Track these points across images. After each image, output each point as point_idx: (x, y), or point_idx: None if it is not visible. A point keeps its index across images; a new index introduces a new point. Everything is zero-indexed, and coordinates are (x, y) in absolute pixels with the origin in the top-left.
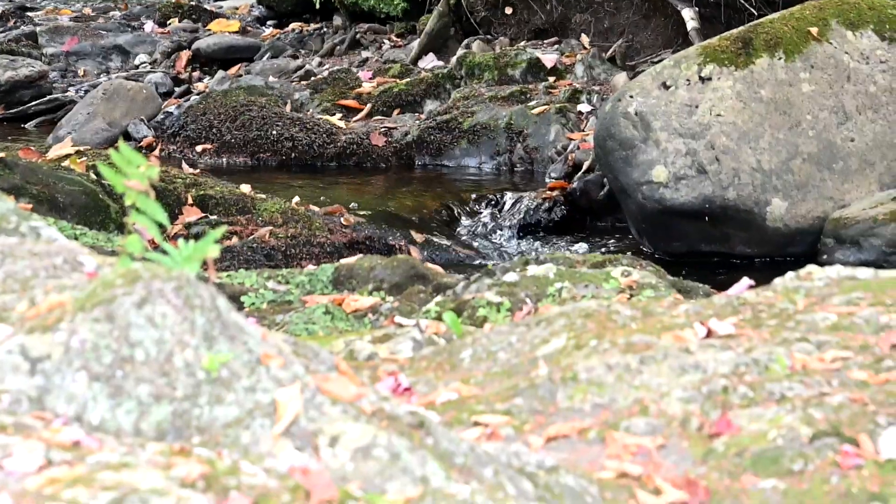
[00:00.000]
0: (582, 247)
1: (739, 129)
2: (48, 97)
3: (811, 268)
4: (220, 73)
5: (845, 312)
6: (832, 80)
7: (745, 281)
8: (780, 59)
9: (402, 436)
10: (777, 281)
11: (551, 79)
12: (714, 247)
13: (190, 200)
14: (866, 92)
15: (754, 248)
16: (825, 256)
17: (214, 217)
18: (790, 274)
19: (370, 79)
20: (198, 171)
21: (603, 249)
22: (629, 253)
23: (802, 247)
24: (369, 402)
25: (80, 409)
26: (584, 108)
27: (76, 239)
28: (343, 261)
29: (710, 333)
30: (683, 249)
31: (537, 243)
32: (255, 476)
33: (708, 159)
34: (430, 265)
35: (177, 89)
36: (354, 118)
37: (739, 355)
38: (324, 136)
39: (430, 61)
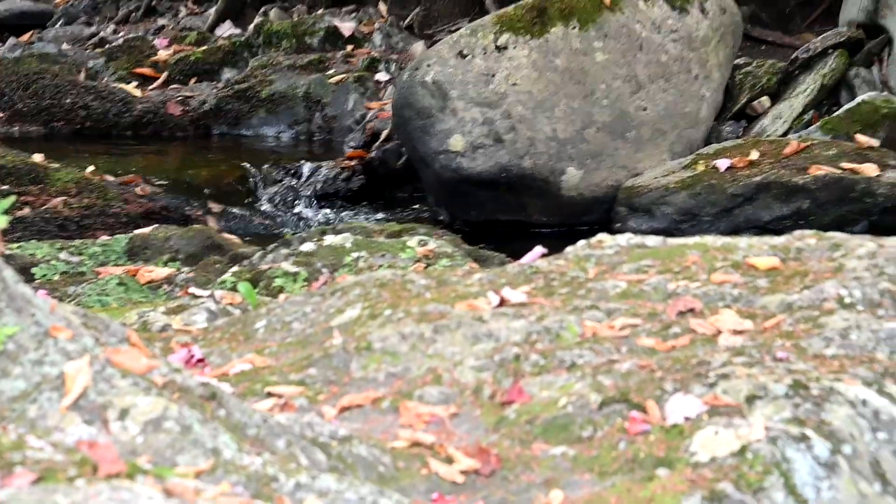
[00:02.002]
0: (380, 216)
1: (535, 99)
2: None
3: (602, 236)
4: (11, 40)
5: (634, 280)
6: (625, 49)
7: (538, 249)
8: (574, 28)
9: (194, 408)
10: (569, 249)
11: (349, 47)
12: (511, 216)
13: None
14: (658, 61)
15: (550, 216)
16: (619, 224)
17: (5, 187)
18: (581, 242)
19: (166, 46)
20: None
21: (401, 219)
22: (427, 222)
23: (597, 215)
24: (161, 375)
25: None
26: (382, 76)
27: None
28: (138, 231)
29: (503, 302)
30: (481, 218)
31: (335, 213)
32: (42, 450)
33: (504, 128)
34: (226, 235)
35: None
36: (150, 87)
37: (532, 323)
38: (119, 104)
39: (227, 29)
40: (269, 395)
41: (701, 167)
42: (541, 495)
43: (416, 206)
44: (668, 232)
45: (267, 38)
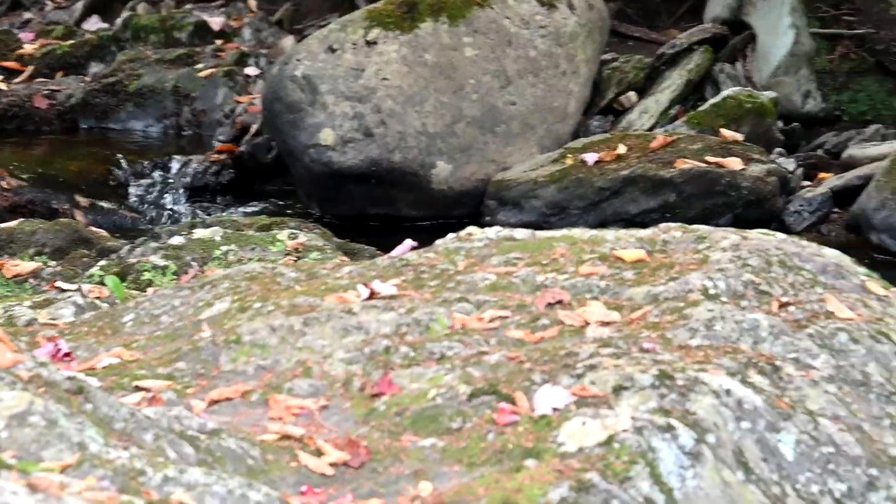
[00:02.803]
0: (250, 210)
1: (405, 93)
2: None
3: (471, 229)
4: None
5: (503, 272)
6: (494, 44)
7: (408, 242)
8: (444, 23)
9: (60, 402)
10: (439, 242)
11: (218, 42)
12: (381, 209)
13: None
14: (527, 56)
15: (421, 210)
16: (489, 218)
17: None
18: (451, 235)
19: (32, 40)
20: None
21: (271, 212)
22: (297, 216)
23: (467, 209)
24: (26, 369)
25: None
26: (251, 71)
27: None
28: (3, 225)
29: (373, 294)
30: (351, 212)
31: (205, 207)
32: None
33: (374, 122)
34: (94, 229)
35: None
36: (16, 80)
37: (401, 316)
38: None
39: (94, 23)
40: (137, 388)
41: (569, 161)
42: (410, 487)
43: (287, 200)
44: (537, 225)
45: (135, 32)
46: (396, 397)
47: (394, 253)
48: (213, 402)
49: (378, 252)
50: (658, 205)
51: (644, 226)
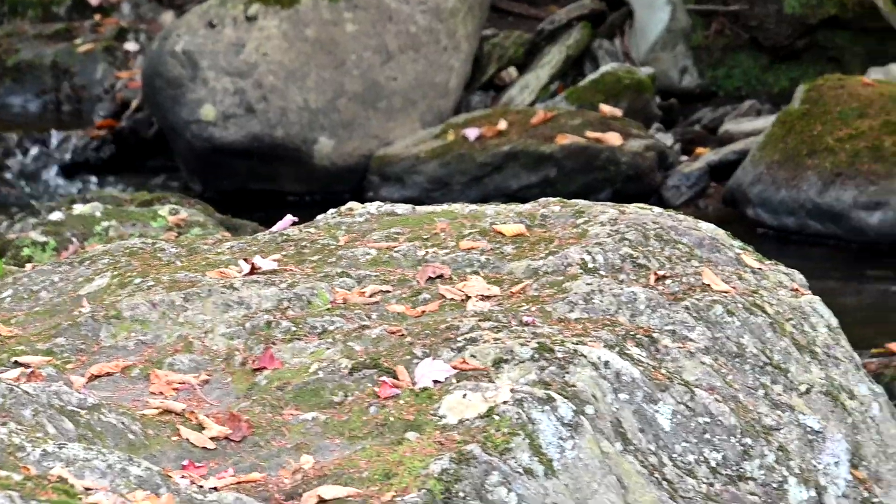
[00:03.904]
0: (131, 186)
1: (286, 69)
2: None
3: (352, 204)
4: None
5: (385, 247)
6: (375, 20)
7: (289, 218)
8: None
9: None
10: (320, 217)
11: (97, 16)
12: (264, 185)
13: None
14: (407, 32)
15: (303, 185)
16: (371, 193)
17: None
18: (332, 210)
19: None
20: None
21: (153, 188)
22: (179, 192)
23: (350, 184)
24: None
25: None
26: (131, 46)
27: None
28: None
29: (254, 270)
30: (233, 188)
31: (86, 182)
32: None
33: (256, 98)
34: None
35: None
36: None
37: (283, 290)
38: None
39: None
40: (16, 364)
41: (451, 137)
42: (291, 460)
43: (169, 176)
44: (419, 200)
45: (11, 6)
46: (278, 372)
47: (275, 228)
48: (94, 378)
49: (260, 227)
50: (539, 180)
51: (525, 201)
